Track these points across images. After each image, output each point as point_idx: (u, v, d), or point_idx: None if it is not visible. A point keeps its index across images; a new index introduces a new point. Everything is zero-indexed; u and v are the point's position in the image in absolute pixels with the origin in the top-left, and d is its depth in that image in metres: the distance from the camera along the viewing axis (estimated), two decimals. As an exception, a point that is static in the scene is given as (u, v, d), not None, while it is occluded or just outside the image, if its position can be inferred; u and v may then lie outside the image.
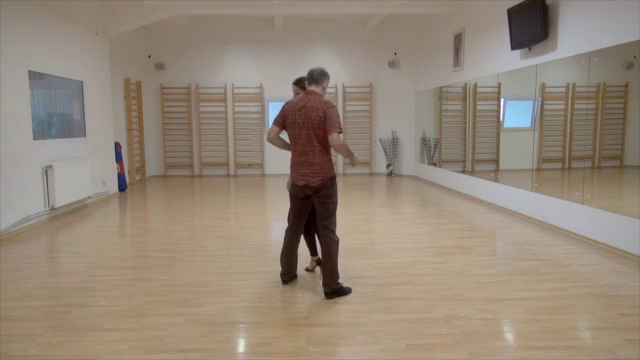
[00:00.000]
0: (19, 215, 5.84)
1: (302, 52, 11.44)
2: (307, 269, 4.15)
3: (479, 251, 4.81)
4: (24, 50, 6.04)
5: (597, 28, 4.97)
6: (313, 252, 4.14)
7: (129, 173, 10.00)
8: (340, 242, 3.62)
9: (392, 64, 11.22)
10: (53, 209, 6.52)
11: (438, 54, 9.57)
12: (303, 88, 3.76)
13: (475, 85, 7.91)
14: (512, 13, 6.30)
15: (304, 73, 3.73)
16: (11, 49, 5.76)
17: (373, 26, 11.03)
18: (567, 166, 5.85)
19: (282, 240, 3.83)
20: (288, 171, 3.76)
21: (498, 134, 7.27)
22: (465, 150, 8.37)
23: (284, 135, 3.63)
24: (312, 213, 3.81)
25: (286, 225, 3.86)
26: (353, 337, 2.91)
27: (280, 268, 3.88)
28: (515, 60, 6.58)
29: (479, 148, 7.96)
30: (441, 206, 7.45)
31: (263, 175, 11.66)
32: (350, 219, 6.38)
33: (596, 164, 5.28)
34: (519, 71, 6.52)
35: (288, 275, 3.87)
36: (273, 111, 11.62)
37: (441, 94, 9.48)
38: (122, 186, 9.10)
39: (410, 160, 11.32)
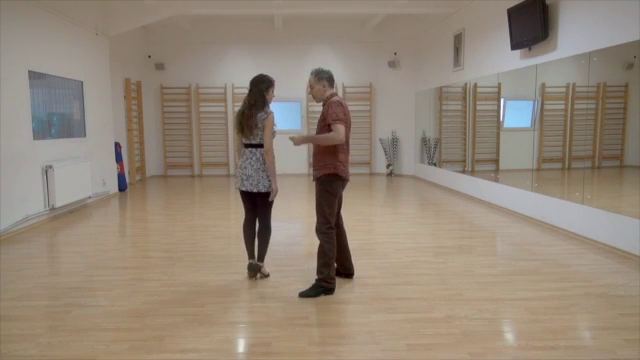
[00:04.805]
0: (19, 215, 5.83)
1: (302, 52, 11.43)
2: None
3: (479, 251, 4.82)
4: (24, 50, 6.04)
5: (597, 28, 4.97)
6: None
7: (129, 173, 10.00)
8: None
9: (392, 64, 11.22)
10: (53, 209, 6.51)
11: (438, 54, 9.57)
12: None
13: (475, 85, 7.91)
14: (512, 13, 6.30)
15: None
16: (11, 49, 5.76)
17: (373, 26, 11.02)
18: (567, 166, 5.85)
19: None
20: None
21: (498, 134, 7.27)
22: (465, 150, 8.37)
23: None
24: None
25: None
26: (353, 337, 2.91)
27: (332, 279, 3.59)
28: (515, 60, 6.58)
29: (479, 148, 7.95)
30: (441, 206, 7.45)
31: (263, 175, 11.63)
32: (350, 219, 6.37)
33: (596, 164, 5.28)
34: (519, 71, 6.52)
35: (335, 281, 3.64)
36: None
37: (441, 94, 9.48)
38: (122, 186, 9.10)
39: (410, 160, 11.32)
